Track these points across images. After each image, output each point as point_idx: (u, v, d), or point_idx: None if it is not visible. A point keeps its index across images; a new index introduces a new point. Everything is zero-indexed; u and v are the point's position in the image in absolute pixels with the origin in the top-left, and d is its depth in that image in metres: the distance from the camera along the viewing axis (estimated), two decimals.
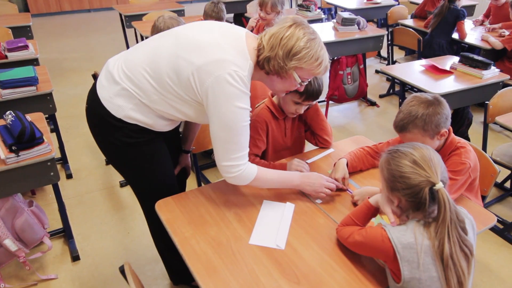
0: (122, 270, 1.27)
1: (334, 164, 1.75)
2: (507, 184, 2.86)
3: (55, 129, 3.06)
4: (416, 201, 1.16)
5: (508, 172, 2.76)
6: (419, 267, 1.13)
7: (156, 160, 1.65)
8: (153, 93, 1.47)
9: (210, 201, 1.63)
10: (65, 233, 2.48)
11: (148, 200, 1.69)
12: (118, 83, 1.50)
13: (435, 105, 1.53)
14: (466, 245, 1.15)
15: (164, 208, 1.59)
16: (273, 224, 1.50)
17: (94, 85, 1.59)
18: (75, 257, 2.34)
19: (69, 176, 3.13)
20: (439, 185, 1.13)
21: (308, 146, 2.06)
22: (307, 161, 1.87)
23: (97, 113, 1.55)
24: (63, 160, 3.20)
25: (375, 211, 1.36)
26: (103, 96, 1.53)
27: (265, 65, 1.42)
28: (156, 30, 2.61)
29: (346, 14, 3.96)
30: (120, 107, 1.50)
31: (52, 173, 2.05)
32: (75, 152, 3.45)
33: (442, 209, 1.14)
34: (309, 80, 1.54)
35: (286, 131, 1.91)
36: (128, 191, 2.94)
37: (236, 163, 1.46)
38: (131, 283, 1.21)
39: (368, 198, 1.37)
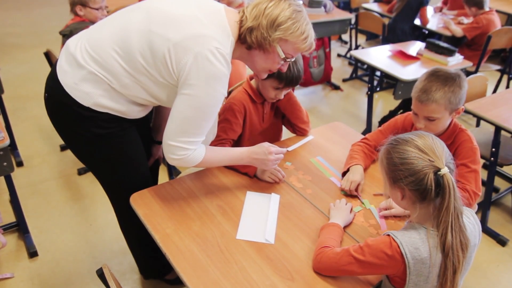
0: (100, 274, 1.14)
1: (348, 169, 1.62)
2: None
3: (2, 112, 2.79)
4: (421, 189, 1.06)
5: None
6: (426, 280, 1.08)
7: (131, 152, 1.51)
8: (124, 76, 1.33)
9: (190, 193, 1.52)
10: (19, 227, 2.27)
11: (120, 195, 1.55)
12: (83, 66, 1.33)
13: (461, 79, 1.47)
14: (464, 237, 1.08)
15: (140, 202, 1.46)
16: (260, 217, 1.42)
17: (54, 71, 1.40)
18: (33, 253, 2.15)
19: (19, 163, 2.86)
20: (445, 170, 1.05)
21: (287, 134, 1.99)
22: (288, 148, 1.81)
23: (60, 103, 1.38)
24: (12, 146, 2.91)
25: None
26: (67, 83, 1.35)
27: (247, 36, 1.32)
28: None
29: None
30: (88, 94, 1.34)
31: (5, 163, 1.84)
32: (25, 137, 3.16)
33: (446, 196, 1.04)
34: (293, 58, 1.44)
35: (264, 115, 1.83)
36: (87, 179, 2.74)
37: (186, 147, 1.34)
38: None
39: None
